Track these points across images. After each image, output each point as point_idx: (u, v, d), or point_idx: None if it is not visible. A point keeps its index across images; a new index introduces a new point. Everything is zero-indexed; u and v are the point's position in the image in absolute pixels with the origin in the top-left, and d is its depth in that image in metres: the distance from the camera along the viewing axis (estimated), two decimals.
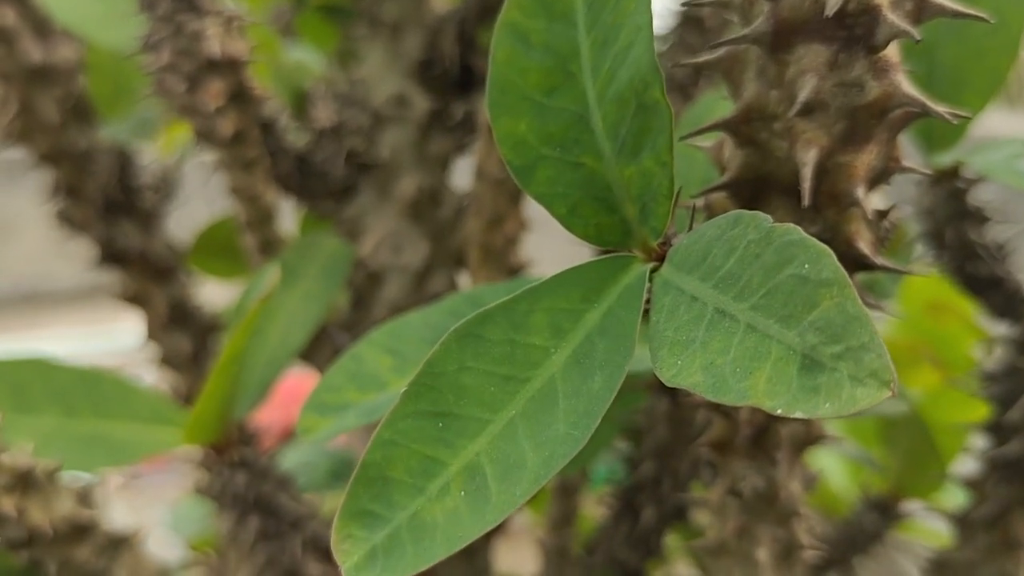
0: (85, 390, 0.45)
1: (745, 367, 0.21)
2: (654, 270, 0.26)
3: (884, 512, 0.55)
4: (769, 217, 0.23)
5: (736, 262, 0.23)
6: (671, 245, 0.27)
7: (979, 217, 0.43)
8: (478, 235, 0.46)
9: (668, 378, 0.23)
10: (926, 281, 0.52)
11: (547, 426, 0.24)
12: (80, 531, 0.41)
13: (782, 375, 0.21)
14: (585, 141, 0.27)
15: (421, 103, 0.49)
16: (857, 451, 0.59)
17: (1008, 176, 0.36)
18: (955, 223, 0.43)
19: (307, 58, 0.60)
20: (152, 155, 0.64)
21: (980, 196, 0.43)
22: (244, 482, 0.45)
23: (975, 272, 0.43)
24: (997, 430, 0.45)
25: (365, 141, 0.49)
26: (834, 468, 0.68)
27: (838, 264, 0.21)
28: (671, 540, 0.53)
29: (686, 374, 0.22)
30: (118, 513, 1.28)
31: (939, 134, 0.42)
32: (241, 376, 0.45)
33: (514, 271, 0.57)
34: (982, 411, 0.46)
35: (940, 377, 0.54)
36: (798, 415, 0.20)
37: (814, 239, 0.22)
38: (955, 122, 0.26)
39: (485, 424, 0.25)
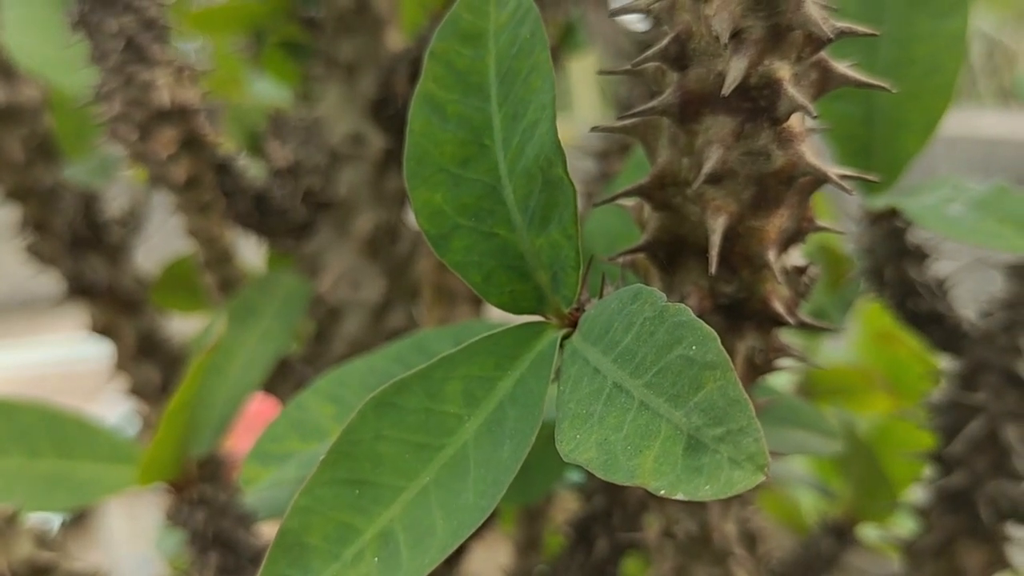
0: (47, 430, 0.46)
1: (636, 445, 0.22)
2: (567, 336, 0.27)
3: (840, 536, 0.56)
4: (663, 295, 0.24)
5: (633, 338, 0.24)
6: (584, 311, 0.27)
7: (919, 254, 0.44)
8: (430, 275, 0.46)
9: (566, 453, 0.23)
10: (877, 311, 0.52)
11: (458, 494, 0.25)
12: (40, 573, 0.42)
13: (669, 455, 0.22)
14: (498, 212, 0.28)
15: (377, 141, 0.50)
16: (812, 479, 0.59)
17: (936, 222, 0.37)
18: (895, 261, 0.43)
19: (272, 91, 0.60)
20: (124, 184, 0.65)
21: (921, 233, 0.44)
22: (203, 519, 0.46)
23: (916, 308, 0.44)
24: (942, 461, 0.46)
25: (322, 179, 0.50)
26: (804, 490, 0.69)
27: (721, 348, 0.22)
28: (631, 569, 0.53)
29: (582, 449, 0.23)
30: (115, 520, 1.28)
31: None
32: (198, 415, 0.45)
33: (477, 299, 0.58)
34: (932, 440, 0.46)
35: (893, 403, 0.55)
36: (680, 497, 0.21)
37: (702, 322, 0.22)
38: (852, 192, 0.27)
39: (399, 491, 0.26)
